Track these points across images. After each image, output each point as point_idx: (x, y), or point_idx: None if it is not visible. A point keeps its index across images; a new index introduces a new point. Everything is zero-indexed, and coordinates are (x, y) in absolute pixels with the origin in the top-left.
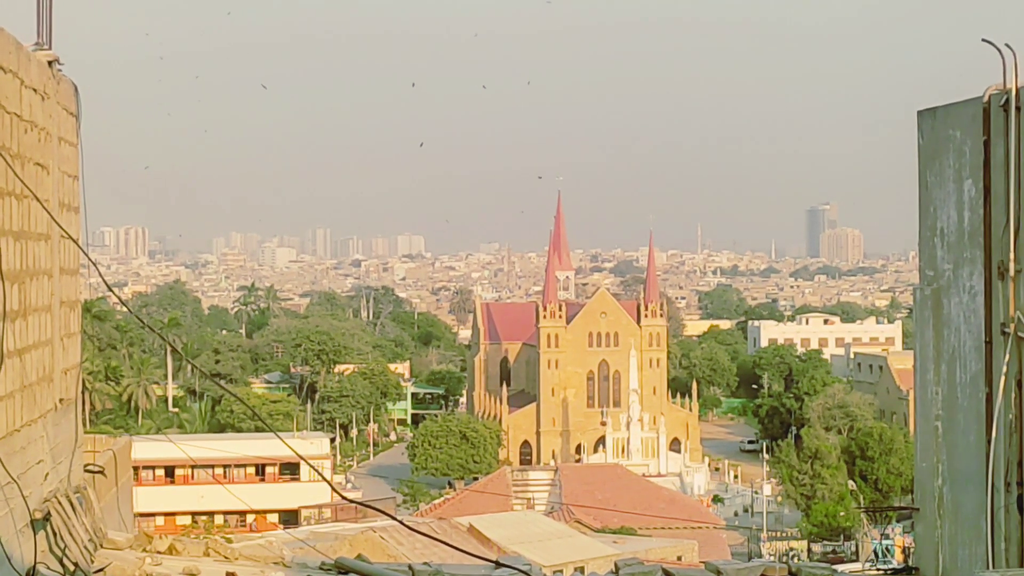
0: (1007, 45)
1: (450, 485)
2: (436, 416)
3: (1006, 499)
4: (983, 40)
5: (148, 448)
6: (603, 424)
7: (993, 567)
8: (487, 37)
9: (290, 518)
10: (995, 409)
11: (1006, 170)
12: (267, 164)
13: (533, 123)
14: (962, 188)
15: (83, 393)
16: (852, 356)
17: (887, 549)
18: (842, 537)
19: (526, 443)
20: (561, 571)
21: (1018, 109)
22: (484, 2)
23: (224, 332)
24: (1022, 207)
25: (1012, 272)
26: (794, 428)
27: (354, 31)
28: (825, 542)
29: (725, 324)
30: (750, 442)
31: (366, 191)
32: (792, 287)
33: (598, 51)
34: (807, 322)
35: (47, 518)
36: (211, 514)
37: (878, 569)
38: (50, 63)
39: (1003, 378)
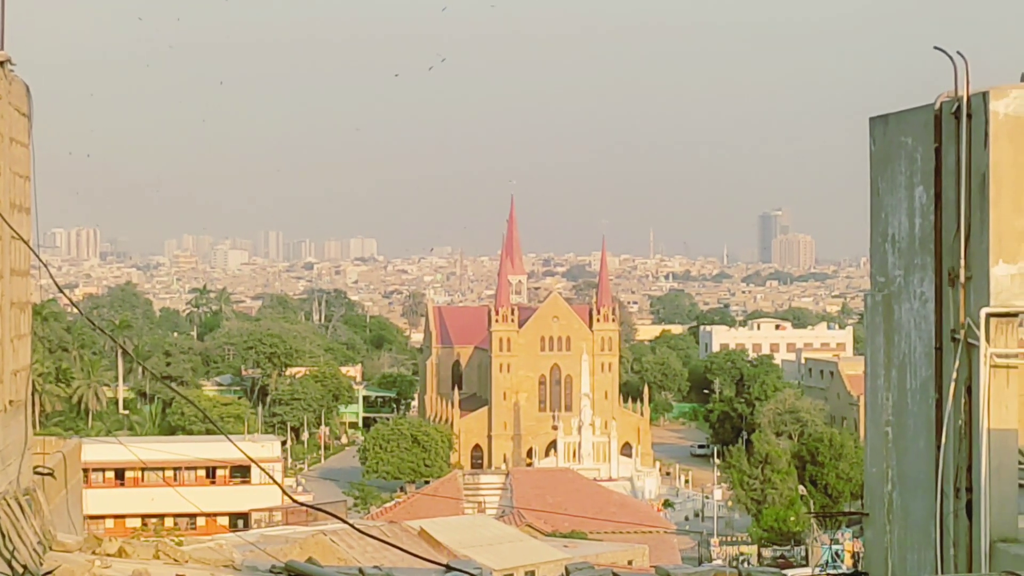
0: (959, 53)
1: (401, 489)
2: (387, 419)
3: (955, 505)
4: (935, 48)
5: (98, 450)
6: (554, 428)
7: (942, 572)
8: (444, 41)
9: (241, 521)
10: (945, 415)
11: (957, 177)
12: (220, 166)
13: (486, 127)
14: (913, 195)
15: (33, 395)
16: (803, 361)
17: (836, 554)
18: (792, 542)
19: (477, 447)
20: (512, 575)
21: (969, 116)
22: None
23: (175, 334)
24: (973, 214)
25: (962, 279)
26: (745, 433)
27: (309, 32)
28: (775, 547)
29: (677, 329)
30: (700, 447)
31: (319, 194)
32: (744, 292)
33: (551, 55)
34: (758, 327)
35: None
36: (161, 517)
37: (828, 574)
38: (1, 63)
39: (953, 384)
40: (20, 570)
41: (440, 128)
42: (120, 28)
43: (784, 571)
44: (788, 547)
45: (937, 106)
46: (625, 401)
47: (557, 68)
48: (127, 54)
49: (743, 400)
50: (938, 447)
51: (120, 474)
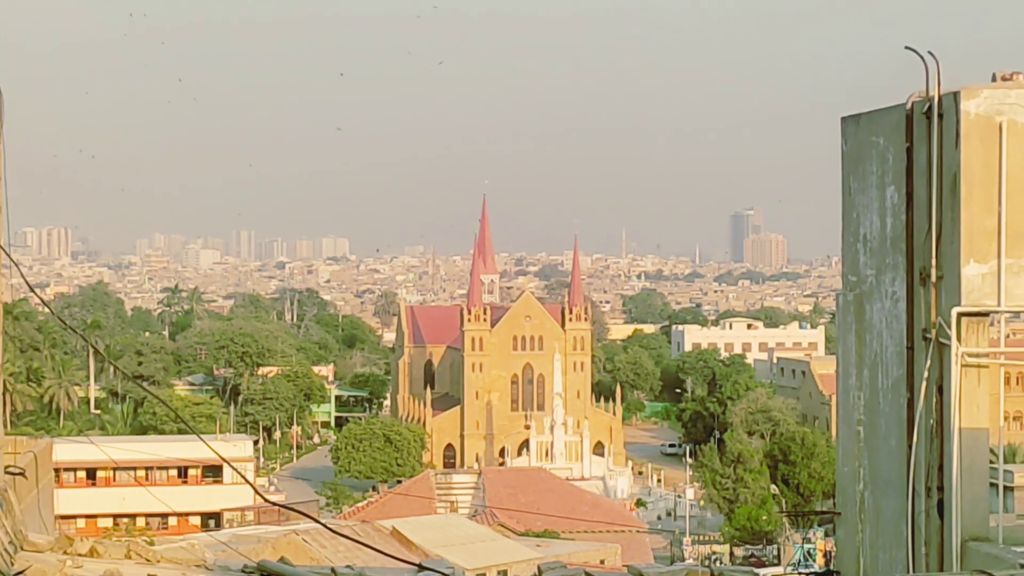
0: (930, 53)
1: (373, 488)
2: (360, 419)
3: (926, 504)
4: (906, 48)
5: (70, 450)
6: (527, 427)
7: (913, 571)
8: (417, 46)
9: (213, 520)
10: (916, 414)
11: (928, 177)
12: (190, 164)
13: (458, 127)
14: (885, 194)
15: (4, 394)
16: (775, 361)
17: (809, 553)
18: (764, 541)
19: (450, 446)
20: (484, 574)
21: (940, 116)
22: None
23: (147, 334)
24: (944, 214)
25: (934, 278)
26: (717, 432)
27: (272, 16)
28: (747, 546)
29: (649, 328)
30: (671, 446)
31: (291, 193)
32: (716, 292)
33: (524, 50)
34: (731, 327)
35: None
36: (133, 516)
37: (800, 573)
38: None
39: (924, 383)
40: None
41: (412, 128)
42: (80, 15)
43: (756, 570)
44: (760, 546)
45: (908, 106)
46: (597, 400)
47: (529, 66)
48: (97, 50)
49: (715, 399)
50: (910, 446)
51: (92, 474)
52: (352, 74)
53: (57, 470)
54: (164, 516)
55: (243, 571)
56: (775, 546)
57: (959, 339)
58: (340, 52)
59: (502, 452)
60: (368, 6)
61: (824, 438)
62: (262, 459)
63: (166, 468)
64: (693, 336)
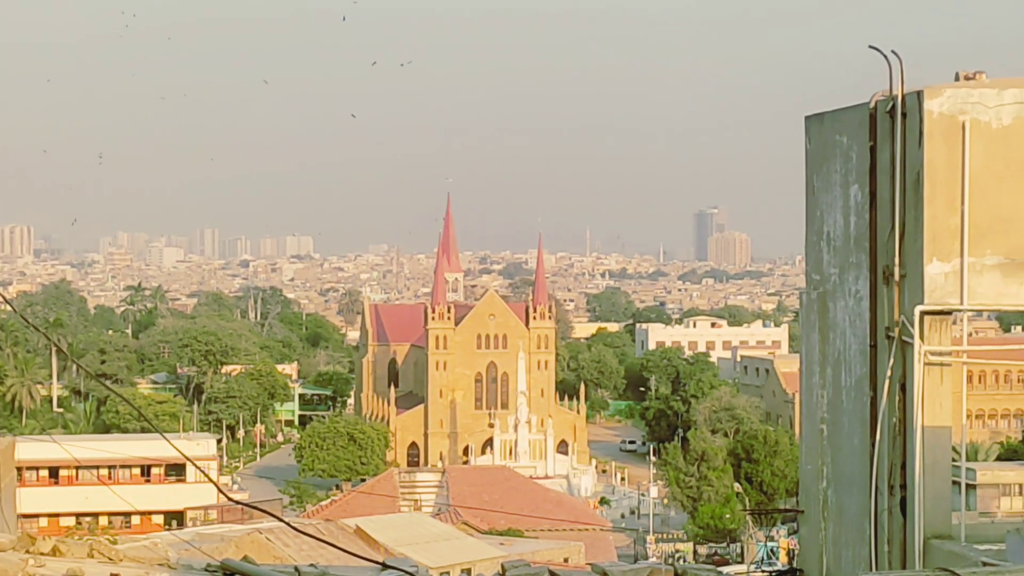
0: (893, 52)
1: (337, 487)
2: (324, 417)
3: (889, 502)
4: (870, 47)
5: (32, 449)
6: (491, 426)
7: (876, 569)
8: (381, 44)
9: (176, 519)
10: (879, 412)
11: (892, 176)
12: (153, 162)
13: (422, 125)
14: (848, 193)
15: None
16: (739, 359)
17: (772, 551)
18: (728, 539)
19: (414, 445)
20: (448, 573)
21: (904, 115)
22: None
23: (110, 332)
24: (907, 213)
25: (897, 277)
26: (681, 430)
27: (235, 15)
28: (711, 544)
29: (613, 327)
30: (630, 442)
31: (255, 191)
32: (680, 290)
33: (487, 49)
34: (694, 325)
35: None
36: (96, 515)
37: (763, 571)
38: None
39: (887, 382)
40: None
41: (376, 126)
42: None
43: (719, 568)
44: (724, 544)
45: (872, 105)
46: (561, 399)
47: (493, 65)
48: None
49: (679, 398)
50: (873, 444)
51: (54, 472)
52: (316, 73)
53: (19, 469)
54: (127, 515)
55: (206, 570)
56: (738, 544)
57: (922, 337)
58: (304, 50)
59: (466, 451)
60: (332, 4)
61: (787, 436)
62: (226, 458)
63: (129, 467)
64: (657, 335)
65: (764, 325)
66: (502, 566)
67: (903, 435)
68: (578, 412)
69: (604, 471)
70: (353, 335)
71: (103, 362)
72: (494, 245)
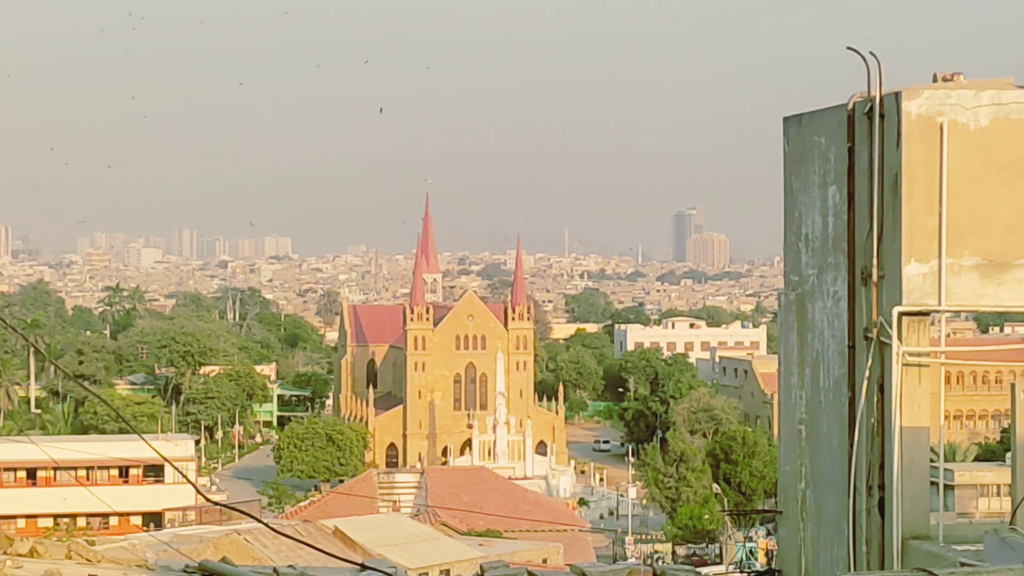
0: (872, 53)
1: (316, 488)
2: (302, 418)
3: (868, 502)
4: (848, 48)
5: (10, 449)
6: (470, 427)
7: (854, 569)
8: (359, 44)
9: (154, 521)
10: (857, 413)
11: (870, 177)
12: (131, 163)
13: (401, 125)
14: (827, 194)
15: None
16: (717, 360)
17: (751, 552)
18: (706, 540)
19: (392, 446)
20: (427, 574)
21: (882, 116)
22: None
23: (88, 333)
24: (885, 214)
25: (875, 278)
26: (659, 431)
27: (214, 14)
28: (689, 545)
29: (592, 327)
30: (604, 442)
31: (234, 192)
32: (659, 291)
33: (464, 49)
34: (673, 326)
35: None
36: (74, 516)
37: (742, 572)
38: None
39: (866, 382)
40: None
41: (355, 127)
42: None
43: (698, 569)
44: (702, 545)
45: (850, 106)
46: (540, 400)
47: (470, 65)
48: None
49: (658, 399)
50: (851, 445)
51: (32, 473)
52: (295, 73)
53: None
54: (105, 516)
55: (185, 571)
56: (717, 545)
57: (900, 338)
58: (283, 51)
59: (445, 451)
60: (312, 5)
61: (766, 437)
62: (204, 459)
63: (107, 468)
64: (635, 335)
65: (743, 326)
66: (481, 567)
67: (881, 436)
68: (557, 413)
69: (583, 472)
70: (331, 336)
71: (81, 363)
72: (473, 246)
